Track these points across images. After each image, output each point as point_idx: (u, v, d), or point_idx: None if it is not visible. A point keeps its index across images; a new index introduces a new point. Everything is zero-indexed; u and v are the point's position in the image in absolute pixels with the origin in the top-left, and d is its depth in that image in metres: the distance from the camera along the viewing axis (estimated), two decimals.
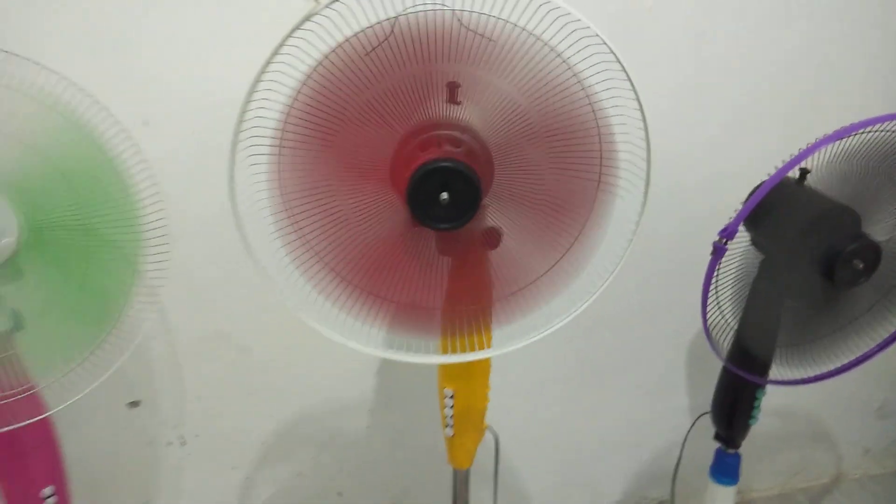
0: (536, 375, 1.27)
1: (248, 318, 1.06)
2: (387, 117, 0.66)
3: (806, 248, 0.87)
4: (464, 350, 0.77)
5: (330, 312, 0.73)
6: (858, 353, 0.97)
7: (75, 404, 1.04)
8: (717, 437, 1.08)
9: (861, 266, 0.84)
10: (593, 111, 0.67)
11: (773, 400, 1.42)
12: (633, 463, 1.40)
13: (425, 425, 1.15)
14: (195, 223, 0.97)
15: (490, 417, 1.24)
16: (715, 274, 0.82)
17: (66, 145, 0.75)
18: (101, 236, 0.75)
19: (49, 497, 0.80)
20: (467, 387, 0.82)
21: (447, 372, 0.83)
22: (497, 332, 0.78)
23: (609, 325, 1.25)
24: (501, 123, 0.68)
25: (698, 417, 1.11)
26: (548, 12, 0.60)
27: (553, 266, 0.75)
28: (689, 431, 1.14)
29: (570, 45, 0.63)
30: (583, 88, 0.66)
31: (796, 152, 0.80)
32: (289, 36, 0.58)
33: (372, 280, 0.75)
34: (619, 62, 0.61)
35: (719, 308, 0.91)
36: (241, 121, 0.61)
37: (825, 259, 0.85)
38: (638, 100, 0.62)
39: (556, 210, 0.73)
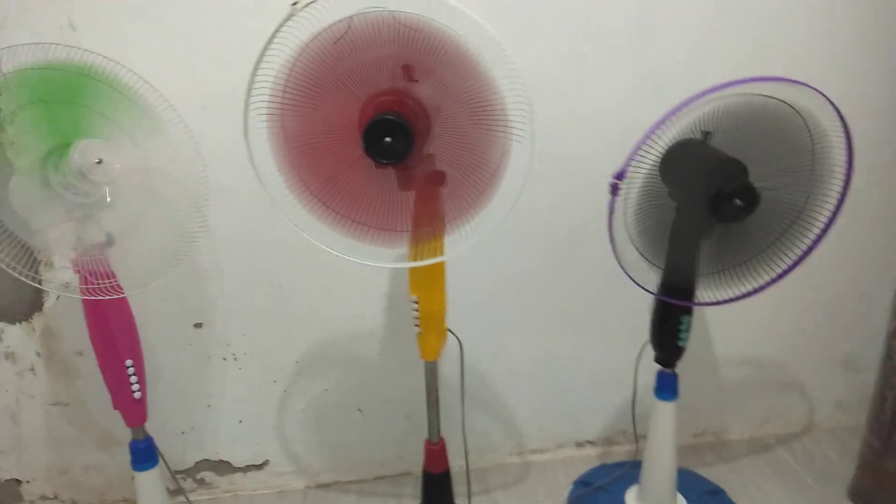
0: (528, 319, 1.52)
1: (281, 260, 1.38)
2: (352, 87, 0.95)
3: (701, 192, 1.09)
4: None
5: (325, 234, 1.02)
6: (762, 282, 1.17)
7: (155, 324, 1.38)
8: (656, 359, 1.30)
9: (740, 203, 1.06)
10: (496, 80, 0.93)
11: (742, 350, 1.62)
12: (614, 401, 1.62)
13: None
14: (243, 185, 1.28)
15: (485, 353, 1.51)
16: (614, 208, 1.06)
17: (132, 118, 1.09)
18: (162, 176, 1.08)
19: (130, 367, 1.13)
20: (428, 294, 1.10)
21: (413, 282, 1.10)
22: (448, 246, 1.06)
23: (593, 279, 1.49)
24: (434, 92, 0.95)
25: (644, 345, 1.34)
26: (451, 10, 0.88)
27: (482, 193, 1.02)
28: (638, 357, 1.37)
29: (475, 35, 0.90)
30: (486, 64, 0.93)
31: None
32: (276, 33, 0.88)
33: (355, 210, 1.03)
34: (503, 48, 0.88)
35: (633, 244, 1.15)
36: (250, 90, 0.91)
37: (711, 199, 1.07)
38: (516, 73, 0.89)
39: (480, 156, 0.99)
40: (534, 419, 1.61)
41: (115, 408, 1.15)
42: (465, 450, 1.36)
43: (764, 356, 1.64)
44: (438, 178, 1.03)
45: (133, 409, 1.16)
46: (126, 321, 1.13)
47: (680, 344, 1.26)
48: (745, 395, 1.66)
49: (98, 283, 1.07)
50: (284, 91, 0.94)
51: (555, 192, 1.40)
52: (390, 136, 0.92)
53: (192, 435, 1.51)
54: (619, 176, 1.03)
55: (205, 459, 1.53)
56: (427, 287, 1.10)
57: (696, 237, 1.16)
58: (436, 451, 1.23)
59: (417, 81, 0.97)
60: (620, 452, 1.65)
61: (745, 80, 1.02)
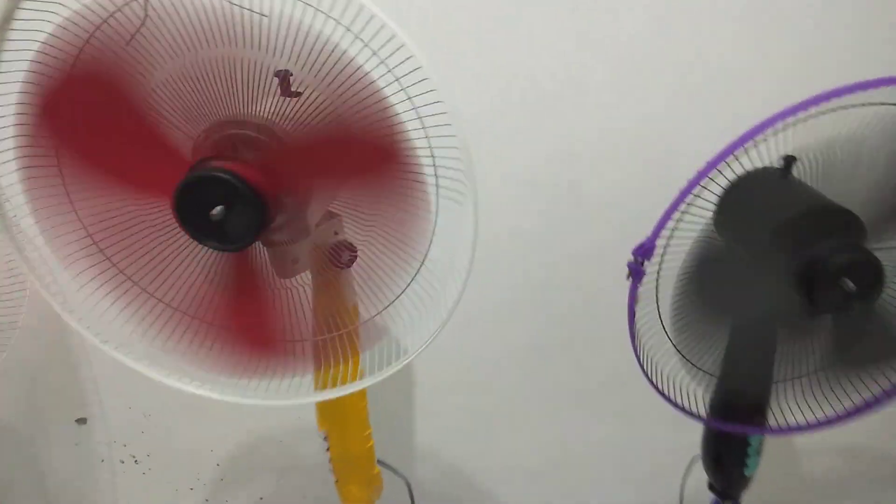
0: (530, 403, 1.11)
1: None
2: (168, 116, 0.55)
3: (781, 263, 0.67)
4: (334, 384, 0.65)
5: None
6: (877, 392, 0.74)
7: (31, 418, 1.04)
8: (711, 487, 0.88)
9: (852, 286, 0.63)
10: (416, 110, 0.52)
11: (833, 438, 1.17)
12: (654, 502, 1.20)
13: (386, 449, 1.04)
14: None
15: (475, 447, 1.12)
16: (637, 297, 0.64)
17: None
18: None
19: None
20: (340, 429, 0.70)
21: (319, 411, 0.71)
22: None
23: (614, 347, 1.06)
24: (303, 118, 0.55)
25: (692, 460, 0.91)
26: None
27: (414, 277, 0.62)
28: (685, 477, 0.95)
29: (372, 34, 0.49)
30: (397, 80, 0.52)
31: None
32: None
33: (212, 309, 0.64)
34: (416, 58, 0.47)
35: (672, 343, 0.72)
36: None
37: (801, 277, 0.64)
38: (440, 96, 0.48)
39: (397, 223, 0.59)
40: None
41: None
42: None
43: (860, 443, 1.19)
44: (340, 254, 0.63)
45: None
46: None
47: (746, 473, 0.84)
48: (836, 492, 1.22)
49: None
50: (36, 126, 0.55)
51: (556, 243, 0.99)
52: (223, 205, 0.52)
53: None
54: (644, 252, 0.61)
55: None
56: (340, 420, 0.70)
57: (772, 331, 0.73)
58: None
59: (300, 94, 0.57)
60: None
61: (855, 87, 0.58)
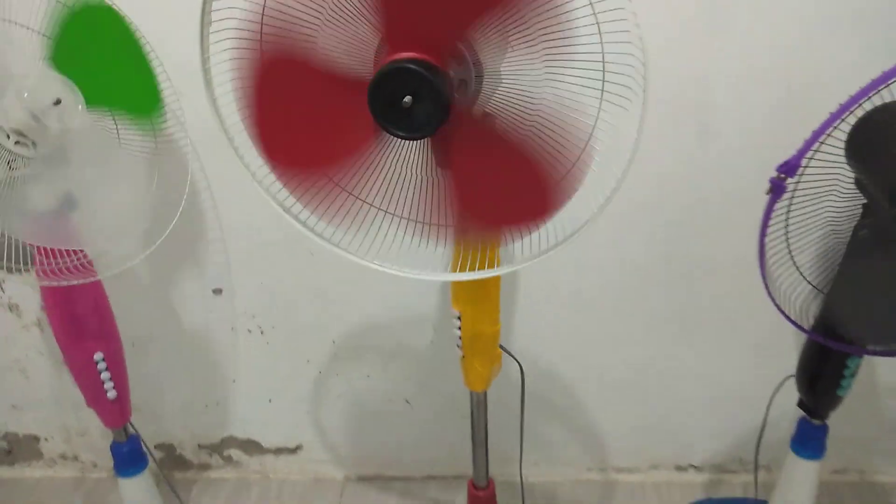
0: (630, 319, 1.17)
1: None
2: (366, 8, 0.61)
3: None
4: (472, 269, 0.73)
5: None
6: None
7: (170, 285, 1.16)
8: (801, 404, 0.94)
9: None
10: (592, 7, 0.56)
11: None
12: (733, 424, 1.26)
13: None
14: None
15: (571, 354, 1.19)
16: (773, 216, 0.68)
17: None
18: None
19: (100, 361, 0.89)
20: (472, 310, 0.78)
21: (455, 292, 0.79)
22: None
23: (722, 272, 1.11)
24: (498, 23, 0.60)
25: (784, 380, 0.97)
26: None
27: (561, 180, 0.67)
28: (773, 394, 1.00)
29: None
30: None
31: None
32: None
33: (375, 192, 0.72)
34: None
35: (792, 260, 0.76)
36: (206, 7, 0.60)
37: None
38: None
39: (559, 125, 0.64)
40: (625, 435, 1.29)
41: (89, 405, 0.94)
42: (522, 494, 1.07)
43: None
44: (497, 153, 0.69)
45: (108, 410, 0.94)
46: (94, 303, 0.89)
47: (840, 393, 0.89)
48: None
49: (59, 262, 0.83)
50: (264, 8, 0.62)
51: (677, 155, 1.02)
52: (412, 95, 0.58)
53: (216, 410, 1.30)
54: (789, 170, 0.64)
55: (231, 436, 1.33)
56: (473, 301, 0.78)
57: (890, 254, 0.76)
58: (483, 499, 0.94)
59: None
60: (733, 484, 1.30)
61: None
